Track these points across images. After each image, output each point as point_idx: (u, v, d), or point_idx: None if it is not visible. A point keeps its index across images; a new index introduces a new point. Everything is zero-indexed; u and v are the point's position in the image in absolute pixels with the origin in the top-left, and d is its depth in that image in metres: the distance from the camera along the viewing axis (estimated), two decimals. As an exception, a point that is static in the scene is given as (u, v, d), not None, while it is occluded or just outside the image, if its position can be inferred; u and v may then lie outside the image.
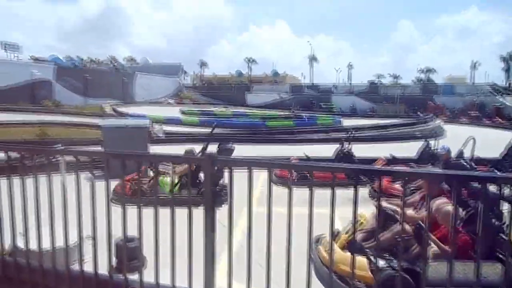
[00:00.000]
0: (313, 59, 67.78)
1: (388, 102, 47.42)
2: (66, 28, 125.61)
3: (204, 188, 2.18)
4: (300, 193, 2.39)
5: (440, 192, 3.89)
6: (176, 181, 4.86)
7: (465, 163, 6.07)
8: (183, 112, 33.97)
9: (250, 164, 2.17)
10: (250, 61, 69.90)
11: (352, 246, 3.21)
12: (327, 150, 10.17)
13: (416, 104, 44.18)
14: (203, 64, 74.89)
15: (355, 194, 2.00)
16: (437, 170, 4.24)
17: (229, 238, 2.25)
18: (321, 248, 3.99)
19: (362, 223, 4.06)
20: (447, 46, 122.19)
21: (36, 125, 18.52)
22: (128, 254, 2.64)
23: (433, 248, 3.31)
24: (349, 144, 8.87)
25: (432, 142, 9.07)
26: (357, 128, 16.02)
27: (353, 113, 42.13)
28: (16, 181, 2.57)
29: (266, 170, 2.17)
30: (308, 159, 8.76)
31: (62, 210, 2.45)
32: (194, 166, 5.23)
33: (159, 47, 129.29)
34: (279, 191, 2.45)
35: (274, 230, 2.14)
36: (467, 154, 7.73)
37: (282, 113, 34.92)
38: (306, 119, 27.69)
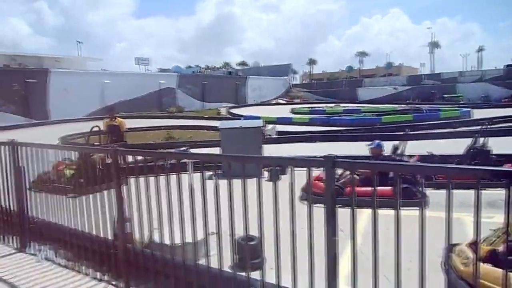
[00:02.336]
0: (434, 45, 61.62)
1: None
2: (185, 39, 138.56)
3: (326, 191, 2.05)
4: (428, 194, 2.09)
5: None
6: None
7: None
8: (293, 111, 34.27)
9: (374, 166, 1.98)
10: (361, 54, 67.06)
11: (501, 258, 2.70)
12: (455, 146, 9.06)
13: None
14: (312, 62, 74.73)
15: (508, 195, 1.63)
16: None
17: (352, 244, 2.10)
18: (456, 258, 3.49)
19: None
20: None
21: (164, 129, 20.85)
22: (250, 253, 2.69)
23: None
24: (484, 138, 7.69)
25: None
26: (493, 119, 13.83)
27: (486, 102, 36.79)
28: (151, 179, 2.85)
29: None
30: (433, 156, 7.90)
31: (190, 208, 2.62)
32: None
33: (268, 49, 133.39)
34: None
35: (396, 235, 1.91)
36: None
37: (398, 107, 32.54)
38: (427, 112, 25.22)
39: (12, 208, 4.23)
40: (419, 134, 15.94)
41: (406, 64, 66.10)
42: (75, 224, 3.52)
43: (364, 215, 2.34)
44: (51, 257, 3.83)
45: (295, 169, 2.23)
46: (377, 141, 7.58)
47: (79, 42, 52.21)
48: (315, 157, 2.10)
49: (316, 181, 4.99)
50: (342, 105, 40.02)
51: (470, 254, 2.85)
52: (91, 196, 3.32)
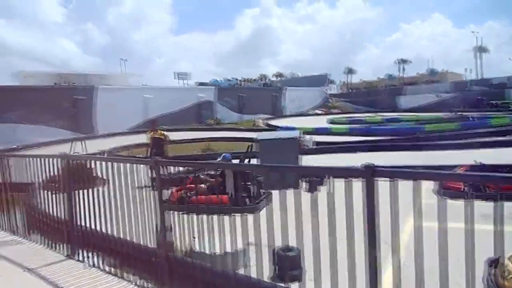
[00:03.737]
0: (480, 50, 58.69)
1: None
2: (223, 53, 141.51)
3: (364, 205, 2.00)
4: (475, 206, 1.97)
5: None
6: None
7: None
8: (331, 121, 33.84)
9: (416, 175, 1.90)
10: (402, 62, 65.16)
11: None
12: (507, 155, 8.54)
13: None
14: (349, 71, 73.57)
15: None
16: None
17: (393, 257, 2.02)
18: (497, 272, 3.25)
19: None
20: None
21: (203, 141, 21.29)
22: (289, 263, 2.67)
23: None
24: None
25: None
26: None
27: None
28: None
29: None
30: (482, 166, 7.48)
31: (229, 218, 2.66)
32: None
33: (305, 59, 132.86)
34: (447, 205, 2.08)
35: (442, 249, 1.82)
36: None
37: (443, 115, 31.18)
38: (474, 120, 23.97)
39: (62, 217, 4.47)
40: (467, 144, 15.19)
41: (449, 70, 63.22)
42: (119, 232, 3.66)
43: (407, 226, 2.25)
44: (97, 264, 4.00)
45: (335, 180, 2.20)
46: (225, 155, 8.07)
47: (123, 60, 54.78)
48: (354, 166, 2.06)
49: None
50: (382, 114, 38.98)
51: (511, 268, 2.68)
52: (137, 205, 3.44)
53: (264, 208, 2.43)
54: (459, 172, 4.49)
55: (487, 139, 15.89)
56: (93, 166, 4.08)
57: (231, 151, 16.36)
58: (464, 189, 5.38)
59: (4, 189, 5.60)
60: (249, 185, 5.41)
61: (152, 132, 10.86)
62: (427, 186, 7.55)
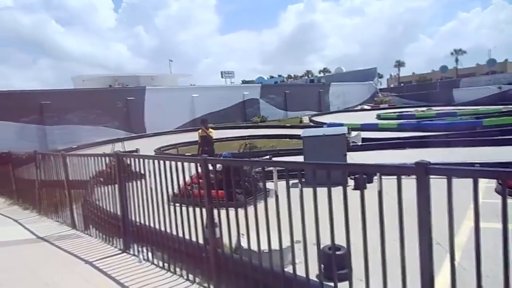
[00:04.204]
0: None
1: None
2: (268, 51, 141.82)
3: (418, 204, 1.90)
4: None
5: None
6: None
7: None
8: (379, 117, 32.70)
9: (475, 173, 1.78)
10: (458, 52, 61.39)
11: None
12: None
13: None
14: (399, 64, 70.72)
15: None
16: None
17: (451, 260, 1.91)
18: None
19: None
20: None
21: (247, 138, 21.52)
22: (337, 262, 2.62)
23: None
24: None
25: None
26: None
27: None
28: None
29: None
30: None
31: (276, 215, 2.66)
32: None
33: (353, 54, 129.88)
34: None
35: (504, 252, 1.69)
36: None
37: (502, 107, 28.96)
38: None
39: (117, 213, 4.73)
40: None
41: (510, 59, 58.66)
42: (170, 228, 3.80)
43: (464, 228, 2.12)
44: (150, 258, 4.19)
45: (384, 177, 2.13)
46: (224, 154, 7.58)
47: (170, 61, 56.63)
48: (405, 164, 1.97)
49: None
50: (435, 108, 36.98)
51: None
52: (186, 202, 3.55)
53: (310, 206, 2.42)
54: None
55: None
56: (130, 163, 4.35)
57: (275, 148, 16.39)
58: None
59: (65, 186, 6.04)
60: (241, 181, 5.24)
61: (202, 130, 11.14)
62: (488, 184, 7.08)
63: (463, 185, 1.86)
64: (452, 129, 19.66)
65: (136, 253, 4.42)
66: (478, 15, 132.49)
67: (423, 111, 34.93)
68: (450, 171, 1.82)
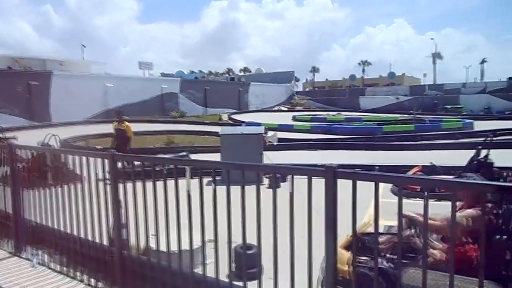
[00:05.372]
0: (436, 56, 61.84)
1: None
2: (189, 45, 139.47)
3: (325, 204, 2.01)
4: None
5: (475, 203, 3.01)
6: None
7: None
8: (295, 119, 34.28)
9: (377, 178, 1.94)
10: (364, 63, 67.32)
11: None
12: (456, 157, 9.02)
13: None
14: (314, 70, 75.01)
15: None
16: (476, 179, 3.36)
17: (353, 253, 2.04)
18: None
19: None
20: None
21: (165, 133, 20.85)
22: (247, 262, 2.63)
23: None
24: (487, 150, 7.64)
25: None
26: (496, 131, 13.76)
27: (488, 114, 36.76)
28: (149, 185, 2.80)
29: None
30: (435, 167, 7.85)
31: (188, 214, 2.57)
32: None
33: (272, 56, 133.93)
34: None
35: None
36: None
37: (400, 116, 32.49)
38: (429, 123, 25.20)
39: (7, 211, 4.18)
40: (421, 145, 15.93)
41: (409, 74, 66.32)
42: (70, 228, 3.47)
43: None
44: (46, 262, 3.78)
45: (296, 177, 2.19)
46: None
47: (83, 46, 52.29)
48: (316, 165, 2.06)
49: None
50: (343, 113, 40.02)
51: None
52: (87, 200, 3.26)
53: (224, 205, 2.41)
54: (417, 176, 4.68)
55: (440, 141, 16.76)
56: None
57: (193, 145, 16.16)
58: (419, 189, 5.65)
59: None
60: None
61: (117, 123, 10.45)
62: (386, 185, 7.83)
63: (365, 187, 2.00)
64: (357, 133, 21.48)
65: (29, 256, 3.95)
66: (382, 31, 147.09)
67: (333, 115, 37.53)
68: (355, 175, 1.95)
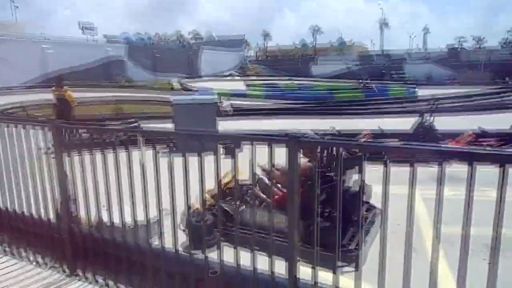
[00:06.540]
0: (384, 24, 63.64)
1: (471, 69, 42.93)
2: (135, 7, 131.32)
3: (288, 176, 1.99)
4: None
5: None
6: None
7: None
8: (247, 86, 34.01)
9: (338, 145, 1.95)
10: (316, 30, 67.68)
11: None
12: (403, 123, 9.50)
13: (506, 70, 39.41)
14: (266, 36, 74.19)
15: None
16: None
17: (316, 221, 2.06)
18: None
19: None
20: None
21: (112, 102, 19.76)
22: (204, 231, 2.59)
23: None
24: (431, 116, 8.09)
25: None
26: (438, 98, 14.72)
27: (429, 82, 38.93)
28: (98, 156, 2.62)
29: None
30: (382, 133, 8.20)
31: (142, 186, 2.45)
32: None
33: (223, 20, 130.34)
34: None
35: None
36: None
37: (350, 84, 33.40)
38: (377, 90, 26.17)
39: None
40: (370, 111, 16.59)
41: (358, 42, 67.75)
42: (12, 204, 3.20)
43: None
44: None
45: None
46: None
47: (16, 7, 47.35)
48: (277, 135, 2.02)
49: None
50: (296, 81, 40.38)
51: None
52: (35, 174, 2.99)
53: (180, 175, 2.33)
54: (364, 142, 4.82)
55: (387, 108, 17.53)
56: None
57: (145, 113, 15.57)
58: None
59: None
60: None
61: (57, 90, 9.68)
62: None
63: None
64: (310, 100, 21.83)
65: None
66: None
67: (286, 84, 37.72)
68: (317, 143, 1.94)
